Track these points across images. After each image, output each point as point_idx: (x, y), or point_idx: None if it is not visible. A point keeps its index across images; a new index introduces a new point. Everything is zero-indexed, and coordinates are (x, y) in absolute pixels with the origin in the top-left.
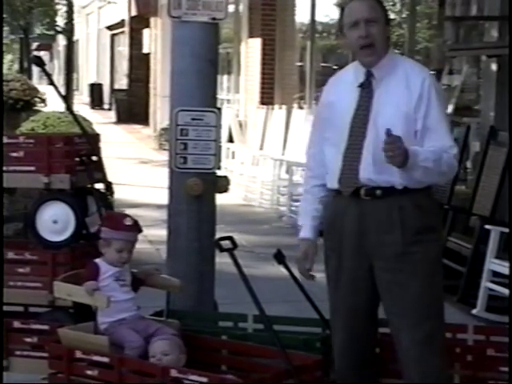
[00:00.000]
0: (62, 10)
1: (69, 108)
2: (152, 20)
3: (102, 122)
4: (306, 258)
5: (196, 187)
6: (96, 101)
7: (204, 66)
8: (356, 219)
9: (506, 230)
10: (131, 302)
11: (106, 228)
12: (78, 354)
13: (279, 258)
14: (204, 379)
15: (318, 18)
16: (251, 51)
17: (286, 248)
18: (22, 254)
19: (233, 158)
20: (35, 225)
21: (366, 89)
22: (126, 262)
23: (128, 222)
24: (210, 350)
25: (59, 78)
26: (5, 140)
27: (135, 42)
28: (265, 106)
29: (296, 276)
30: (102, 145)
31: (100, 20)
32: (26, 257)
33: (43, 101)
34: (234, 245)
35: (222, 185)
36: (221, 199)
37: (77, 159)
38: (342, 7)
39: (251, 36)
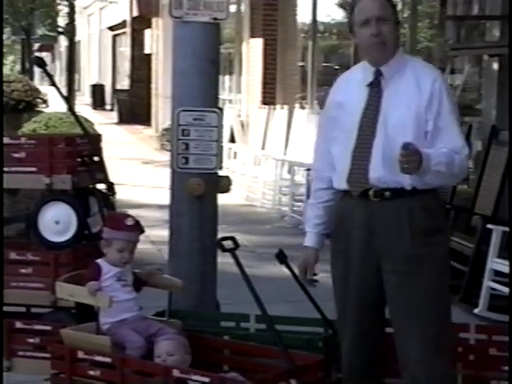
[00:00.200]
0: (63, 10)
1: (70, 109)
2: (154, 20)
3: (104, 122)
4: (305, 266)
5: (198, 187)
6: (98, 101)
7: (205, 66)
8: (364, 220)
9: (508, 229)
10: (133, 302)
11: (107, 228)
12: (81, 355)
13: (281, 257)
14: (206, 379)
15: (320, 17)
16: (253, 51)
17: (288, 248)
18: (24, 254)
19: (235, 158)
20: (37, 225)
21: (375, 88)
22: (128, 262)
23: (129, 222)
24: (212, 349)
25: (61, 79)
26: (7, 141)
27: (137, 42)
28: (266, 106)
29: (302, 281)
30: (104, 145)
31: (101, 21)
32: (28, 257)
33: (45, 102)
34: (236, 245)
35: (224, 185)
36: (223, 199)
37: (78, 160)
38: (351, 5)
39: (253, 36)
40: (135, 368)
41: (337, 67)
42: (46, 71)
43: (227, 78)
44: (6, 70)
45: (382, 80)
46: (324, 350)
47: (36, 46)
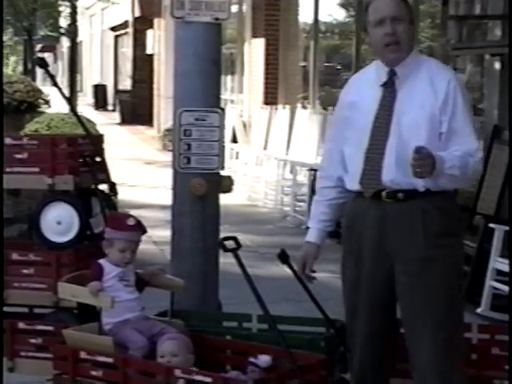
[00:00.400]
0: (65, 11)
1: (72, 109)
2: (155, 21)
3: (106, 123)
4: (305, 261)
5: (200, 187)
6: (100, 102)
7: (207, 67)
8: (377, 221)
9: (508, 228)
10: (135, 301)
11: (108, 228)
12: (83, 355)
13: (283, 257)
14: (208, 379)
15: (322, 17)
16: (255, 51)
17: (290, 248)
18: (27, 255)
19: (237, 158)
20: (39, 226)
21: (389, 88)
22: (130, 262)
23: (130, 222)
24: (214, 349)
25: (63, 80)
26: (9, 141)
27: (139, 43)
28: (268, 106)
29: (300, 276)
30: (106, 146)
31: (103, 21)
32: (30, 258)
33: (47, 102)
34: (238, 245)
35: (226, 185)
36: (225, 199)
37: (80, 160)
38: (366, 5)
39: (255, 36)
40: (137, 368)
41: (339, 67)
42: (47, 72)
43: (229, 78)
44: (8, 70)
45: (396, 80)
46: (326, 350)
47: (38, 46)
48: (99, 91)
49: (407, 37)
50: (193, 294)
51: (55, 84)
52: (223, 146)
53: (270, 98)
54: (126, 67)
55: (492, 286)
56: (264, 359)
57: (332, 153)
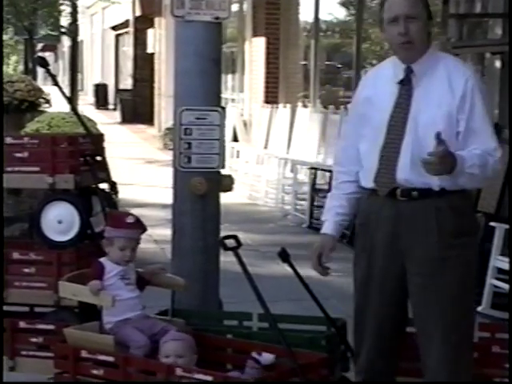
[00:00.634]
0: (66, 10)
1: (73, 108)
2: (156, 20)
3: (107, 122)
4: (321, 252)
5: (200, 186)
6: (101, 101)
7: (208, 66)
8: (391, 220)
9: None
10: (136, 300)
11: (108, 227)
12: (84, 354)
13: (284, 256)
14: (209, 378)
15: (322, 16)
16: (255, 50)
17: (291, 246)
18: (28, 254)
19: (237, 157)
20: (40, 225)
21: (406, 86)
22: (130, 260)
23: (129, 219)
24: (215, 348)
25: (64, 79)
26: (10, 141)
27: (139, 42)
28: (269, 105)
29: (301, 274)
30: (107, 145)
31: (104, 20)
32: (31, 257)
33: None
34: (239, 243)
35: (227, 184)
36: (225, 198)
37: (81, 159)
38: (381, 1)
39: (255, 35)
40: (138, 367)
41: (339, 66)
42: (48, 71)
43: (230, 77)
44: (9, 69)
45: (413, 78)
46: (327, 348)
47: (39, 46)
48: (100, 90)
49: (421, 36)
50: (193, 293)
51: (56, 83)
52: (224, 145)
53: (271, 97)
54: (127, 66)
55: (493, 284)
56: (267, 357)
57: (348, 148)
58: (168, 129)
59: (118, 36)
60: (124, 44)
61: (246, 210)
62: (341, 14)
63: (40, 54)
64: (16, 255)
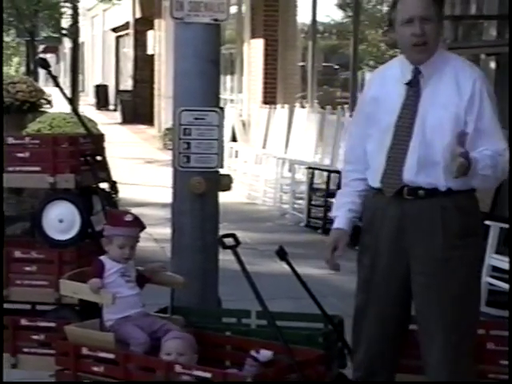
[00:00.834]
0: (67, 12)
1: (74, 109)
2: (156, 22)
3: (108, 122)
4: (335, 247)
5: (199, 186)
6: (101, 102)
7: (207, 67)
8: (396, 217)
9: (506, 225)
10: (137, 297)
11: (107, 226)
12: (85, 351)
13: (281, 254)
14: (208, 374)
15: (320, 18)
16: (254, 51)
17: (289, 245)
18: (29, 252)
19: (236, 156)
20: (41, 224)
21: (414, 87)
22: (129, 257)
23: (128, 218)
24: (214, 345)
25: (65, 80)
26: (11, 141)
27: (140, 43)
28: (267, 106)
29: (298, 272)
30: (108, 145)
31: (105, 22)
32: (32, 255)
33: (49, 102)
34: (237, 242)
35: (225, 183)
36: (224, 197)
37: (82, 159)
38: (394, 1)
39: (254, 37)
40: (138, 364)
41: (336, 67)
42: (49, 72)
43: (229, 78)
44: (11, 71)
45: (421, 79)
46: (324, 345)
47: (41, 47)
48: (101, 91)
49: (434, 37)
50: (193, 291)
51: (57, 84)
52: (222, 145)
53: (269, 98)
54: (127, 67)
55: (488, 282)
56: (265, 354)
57: (356, 147)
58: (168, 129)
59: (118, 38)
60: (124, 45)
61: (245, 209)
62: (338, 16)
63: (41, 55)
64: (18, 254)
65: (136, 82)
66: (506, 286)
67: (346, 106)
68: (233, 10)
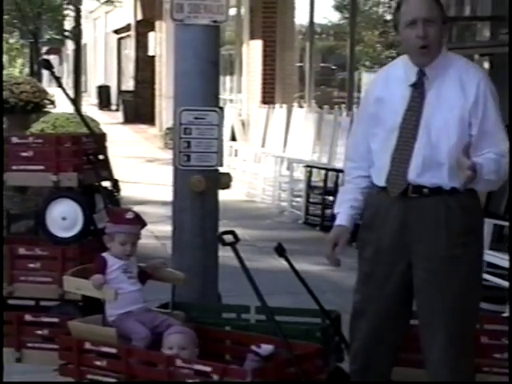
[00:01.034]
0: (69, 15)
1: (77, 109)
2: (157, 23)
3: (110, 122)
4: (336, 243)
5: (199, 184)
6: (104, 102)
7: (206, 67)
8: (400, 214)
9: (499, 222)
10: (138, 293)
11: (109, 223)
12: (87, 346)
13: (280, 251)
14: (208, 368)
15: (317, 19)
16: (253, 52)
17: (287, 242)
18: (33, 249)
19: (235, 155)
20: (45, 222)
21: (419, 89)
22: (131, 254)
23: (129, 215)
24: (214, 340)
25: (68, 81)
26: (15, 140)
27: (141, 45)
28: (266, 105)
29: (296, 268)
30: (110, 144)
31: (107, 24)
32: (36, 252)
33: (52, 102)
34: (237, 239)
35: (225, 181)
36: (224, 195)
37: (84, 158)
38: (398, 3)
39: (252, 38)
40: (140, 358)
41: (334, 67)
42: (52, 73)
43: (228, 78)
44: (15, 72)
45: (426, 81)
46: (322, 340)
47: (44, 49)
48: (103, 92)
49: (438, 39)
50: (193, 287)
51: (60, 85)
52: (222, 144)
53: (268, 98)
54: (129, 68)
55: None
56: (266, 348)
57: (358, 146)
58: (168, 128)
59: (120, 39)
60: (126, 47)
61: (244, 206)
62: (335, 17)
63: (45, 56)
64: (22, 251)
65: (137, 82)
66: (499, 281)
67: (343, 105)
68: (232, 11)
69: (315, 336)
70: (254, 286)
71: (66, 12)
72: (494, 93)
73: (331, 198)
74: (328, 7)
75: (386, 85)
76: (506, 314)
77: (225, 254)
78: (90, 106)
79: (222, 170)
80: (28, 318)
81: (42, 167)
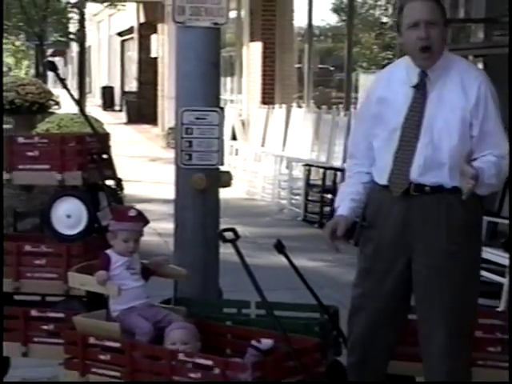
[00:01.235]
0: (74, 18)
1: (81, 110)
2: (159, 26)
3: (114, 122)
4: (334, 229)
5: (200, 182)
6: (108, 103)
7: (207, 69)
8: (402, 211)
9: (493, 219)
10: (141, 289)
11: (112, 221)
12: (92, 340)
13: (279, 247)
14: (209, 362)
15: (315, 22)
16: (252, 54)
17: (287, 238)
18: (39, 246)
19: (236, 154)
20: (50, 219)
21: (421, 90)
22: (133, 251)
23: (131, 213)
24: (215, 334)
25: (73, 82)
26: (21, 140)
27: (144, 47)
28: (266, 106)
29: (295, 265)
30: (114, 144)
31: (111, 27)
32: (42, 249)
33: (57, 103)
34: (237, 236)
35: (225, 180)
36: (224, 193)
37: (88, 157)
38: (400, 5)
39: (252, 40)
40: (143, 352)
41: (331, 68)
42: (57, 75)
43: (229, 79)
44: (21, 73)
45: (428, 82)
46: (320, 334)
47: (49, 51)
48: (107, 92)
49: (439, 41)
50: (195, 283)
51: (65, 86)
52: (223, 143)
53: (268, 98)
54: (132, 70)
55: None
56: (266, 342)
57: (360, 144)
58: (171, 128)
59: (123, 41)
60: (129, 49)
61: (244, 204)
62: (333, 19)
63: (50, 58)
64: (28, 248)
65: (140, 83)
66: (492, 276)
67: (340, 105)
68: (232, 14)
69: (314, 330)
70: (254, 282)
71: (70, 15)
72: (494, 95)
73: (329, 195)
74: (326, 10)
75: (388, 85)
76: (499, 309)
77: (226, 251)
78: (94, 106)
79: (222, 168)
80: (34, 313)
81: (47, 166)
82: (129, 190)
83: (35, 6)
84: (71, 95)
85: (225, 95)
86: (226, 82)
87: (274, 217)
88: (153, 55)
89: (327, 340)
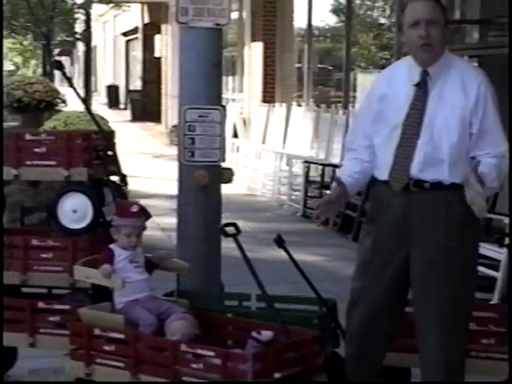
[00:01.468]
0: (80, 18)
1: (87, 108)
2: (163, 26)
3: (119, 120)
4: (331, 199)
5: (203, 178)
6: (113, 101)
7: (209, 69)
8: (401, 206)
9: (488, 215)
10: (145, 282)
11: (115, 216)
12: (97, 332)
13: (279, 242)
14: (211, 353)
15: (315, 22)
16: (254, 54)
17: (286, 233)
18: (46, 240)
19: (237, 151)
20: (57, 214)
21: (422, 89)
22: (136, 245)
23: (134, 209)
24: (216, 326)
25: (79, 81)
26: (29, 137)
27: (148, 46)
28: (266, 104)
29: (295, 259)
30: (118, 141)
31: (116, 27)
32: (48, 243)
33: (64, 101)
34: (238, 231)
35: (227, 176)
36: (226, 189)
37: (94, 154)
38: (403, 5)
39: (253, 40)
40: (147, 343)
41: (330, 68)
42: (63, 73)
43: (230, 78)
44: (28, 72)
45: (429, 80)
46: (319, 326)
47: (56, 50)
48: (112, 91)
49: (439, 39)
50: (197, 276)
51: (71, 85)
52: (224, 141)
53: (268, 97)
54: (137, 69)
55: None
56: (266, 334)
57: (359, 139)
58: (174, 126)
59: (128, 41)
60: (134, 49)
61: (245, 200)
62: (332, 20)
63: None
64: (35, 242)
65: (144, 82)
66: (486, 271)
67: (339, 104)
68: (234, 15)
69: (313, 323)
70: (254, 275)
71: (76, 15)
72: (493, 95)
73: (328, 191)
74: (325, 11)
75: (389, 84)
76: (493, 302)
77: (227, 245)
78: (99, 104)
79: (224, 165)
80: (41, 305)
81: (54, 162)
82: (133, 185)
83: (43, 6)
84: (77, 94)
85: (226, 94)
86: (228, 81)
87: (274, 212)
88: (157, 55)
89: (326, 332)
